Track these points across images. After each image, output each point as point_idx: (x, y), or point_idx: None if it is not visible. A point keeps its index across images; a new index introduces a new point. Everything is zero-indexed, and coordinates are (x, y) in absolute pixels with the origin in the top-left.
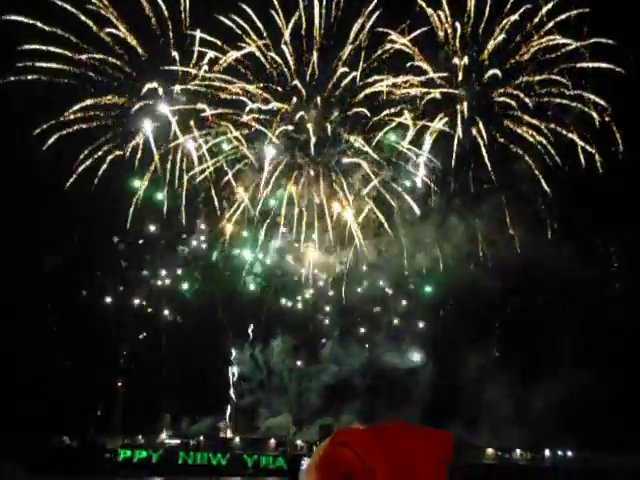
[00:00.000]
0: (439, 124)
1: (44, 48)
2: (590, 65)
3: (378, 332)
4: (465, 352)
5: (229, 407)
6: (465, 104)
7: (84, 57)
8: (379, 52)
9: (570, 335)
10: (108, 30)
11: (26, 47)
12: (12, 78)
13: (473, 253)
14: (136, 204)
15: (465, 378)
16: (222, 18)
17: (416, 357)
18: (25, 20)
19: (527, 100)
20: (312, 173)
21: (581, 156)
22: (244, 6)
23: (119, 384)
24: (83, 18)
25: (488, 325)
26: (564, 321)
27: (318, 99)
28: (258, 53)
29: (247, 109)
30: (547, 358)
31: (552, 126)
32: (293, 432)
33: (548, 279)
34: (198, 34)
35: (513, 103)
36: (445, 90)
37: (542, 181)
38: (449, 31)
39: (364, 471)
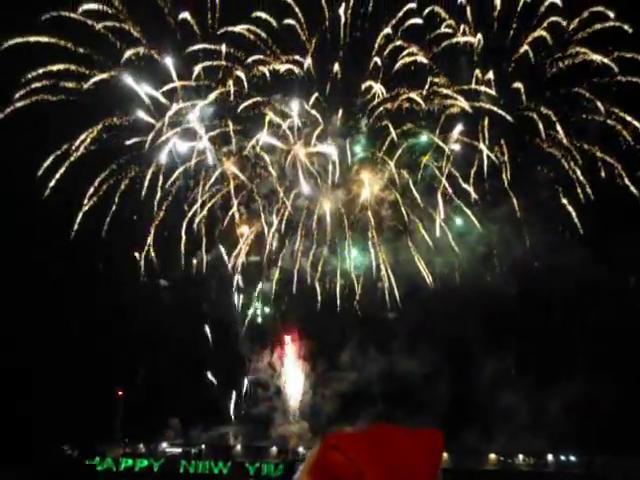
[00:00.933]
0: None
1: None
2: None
3: (395, 338)
4: (482, 359)
5: (242, 414)
6: (486, 120)
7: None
8: (400, 64)
9: (587, 342)
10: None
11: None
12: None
13: (490, 258)
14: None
15: (481, 384)
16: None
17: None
18: (37, 39)
19: (552, 115)
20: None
21: (602, 170)
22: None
23: (119, 392)
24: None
25: (505, 332)
26: (581, 328)
27: (340, 111)
28: (290, 67)
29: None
30: (563, 365)
31: (575, 142)
32: (308, 439)
33: (565, 286)
34: (224, 48)
35: (536, 117)
36: (467, 104)
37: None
38: (474, 45)
39: (354, 475)
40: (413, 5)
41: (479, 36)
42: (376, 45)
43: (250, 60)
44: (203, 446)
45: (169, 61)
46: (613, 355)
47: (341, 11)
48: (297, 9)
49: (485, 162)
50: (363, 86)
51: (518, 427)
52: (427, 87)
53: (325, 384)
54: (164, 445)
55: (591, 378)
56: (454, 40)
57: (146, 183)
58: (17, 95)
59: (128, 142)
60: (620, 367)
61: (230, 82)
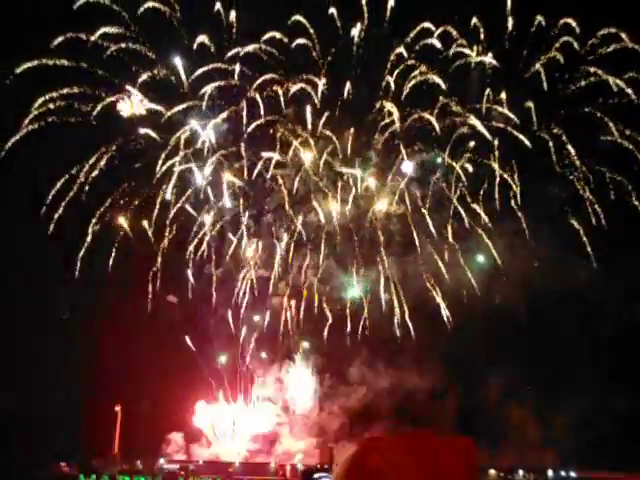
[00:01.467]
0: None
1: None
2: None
3: (402, 354)
4: (488, 373)
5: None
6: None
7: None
8: (412, 84)
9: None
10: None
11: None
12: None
13: (496, 272)
14: None
15: (488, 399)
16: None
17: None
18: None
19: (563, 135)
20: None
21: (612, 190)
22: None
23: (117, 408)
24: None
25: (512, 346)
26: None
27: (352, 130)
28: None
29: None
30: (570, 378)
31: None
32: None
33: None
34: (237, 67)
35: (548, 137)
36: (479, 123)
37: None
38: (487, 64)
39: (393, 478)
40: (427, 25)
41: (490, 56)
42: (389, 64)
43: (262, 79)
44: (201, 461)
45: (180, 79)
46: (623, 371)
47: (355, 31)
48: (311, 29)
49: (497, 180)
50: (375, 105)
51: (526, 443)
52: (439, 106)
53: (333, 399)
54: (162, 461)
55: (600, 394)
56: (467, 60)
57: (158, 200)
58: (29, 118)
59: (137, 165)
60: (630, 382)
61: (243, 102)
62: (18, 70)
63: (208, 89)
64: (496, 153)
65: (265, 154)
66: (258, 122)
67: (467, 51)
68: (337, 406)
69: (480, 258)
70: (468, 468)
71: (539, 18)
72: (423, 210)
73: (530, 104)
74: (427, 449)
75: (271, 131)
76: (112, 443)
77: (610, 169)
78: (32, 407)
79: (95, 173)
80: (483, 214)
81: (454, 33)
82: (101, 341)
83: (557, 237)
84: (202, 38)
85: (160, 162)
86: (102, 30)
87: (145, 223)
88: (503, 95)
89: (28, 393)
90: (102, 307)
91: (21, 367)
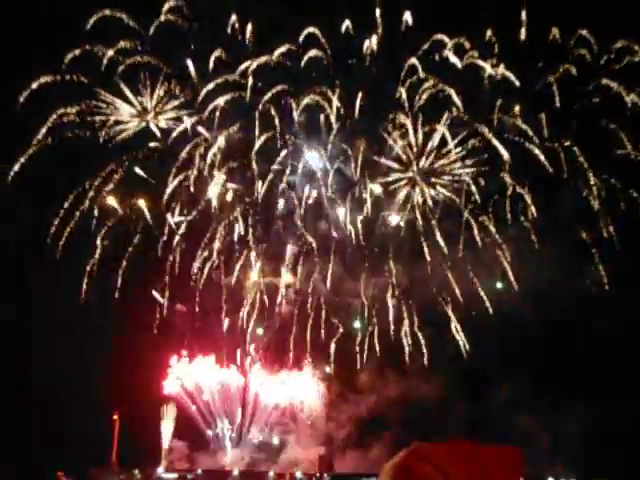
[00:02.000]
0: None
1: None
2: None
3: (411, 362)
4: (498, 383)
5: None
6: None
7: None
8: (425, 95)
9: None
10: None
11: None
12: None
13: (507, 283)
14: None
15: (497, 409)
16: None
17: None
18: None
19: (576, 149)
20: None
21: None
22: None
23: (115, 417)
24: None
25: (522, 357)
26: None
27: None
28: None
29: None
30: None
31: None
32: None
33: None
34: (250, 80)
35: (560, 150)
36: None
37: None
38: (499, 76)
39: None
40: (440, 36)
41: (502, 67)
42: (402, 75)
43: (274, 91)
44: (200, 471)
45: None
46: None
47: (367, 44)
48: (323, 40)
49: (508, 192)
50: (388, 117)
51: (535, 452)
52: (451, 118)
53: (341, 408)
54: (160, 471)
55: (609, 405)
56: (481, 72)
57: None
58: (41, 133)
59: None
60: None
61: (256, 113)
62: (34, 85)
63: (221, 101)
64: (507, 166)
65: (275, 166)
66: (269, 134)
67: (480, 62)
68: (345, 414)
69: (492, 271)
70: (516, 479)
71: (554, 30)
72: (433, 221)
73: (544, 117)
74: (476, 459)
75: (282, 142)
76: (110, 452)
77: (622, 182)
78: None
79: (108, 187)
80: (491, 226)
81: (467, 45)
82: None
83: (568, 249)
84: (216, 52)
85: (172, 176)
86: (118, 45)
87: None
88: (516, 108)
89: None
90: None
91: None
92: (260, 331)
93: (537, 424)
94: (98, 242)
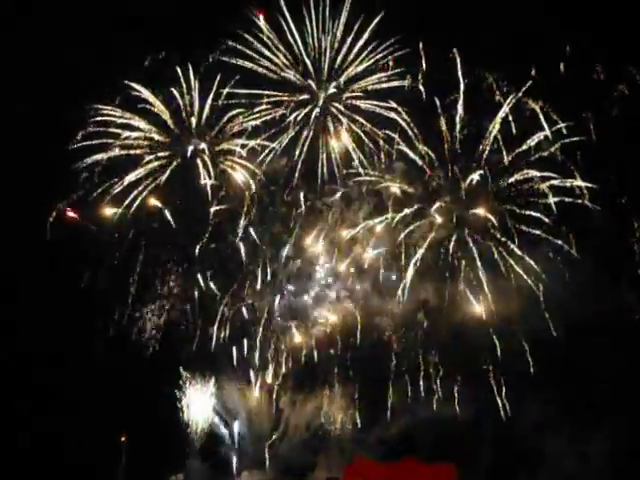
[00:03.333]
0: None
1: None
2: None
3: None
4: (524, 403)
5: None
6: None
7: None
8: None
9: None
10: None
11: None
12: None
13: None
14: None
15: (524, 430)
16: None
17: None
18: None
19: None
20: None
21: None
22: None
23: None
24: None
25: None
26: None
27: None
28: None
29: None
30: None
31: None
32: None
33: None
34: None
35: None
36: None
37: None
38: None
39: None
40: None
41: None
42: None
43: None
44: None
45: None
46: None
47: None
48: None
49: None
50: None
51: (562, 475)
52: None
53: (370, 428)
54: None
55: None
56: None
57: None
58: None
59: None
60: None
61: None
62: None
63: None
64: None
65: None
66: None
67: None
68: (373, 435)
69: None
70: None
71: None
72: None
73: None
74: (410, 477)
75: None
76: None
77: None
78: None
79: None
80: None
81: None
82: None
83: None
84: None
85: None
86: None
87: None
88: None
89: None
90: None
91: None
92: None
93: (566, 446)
94: None
